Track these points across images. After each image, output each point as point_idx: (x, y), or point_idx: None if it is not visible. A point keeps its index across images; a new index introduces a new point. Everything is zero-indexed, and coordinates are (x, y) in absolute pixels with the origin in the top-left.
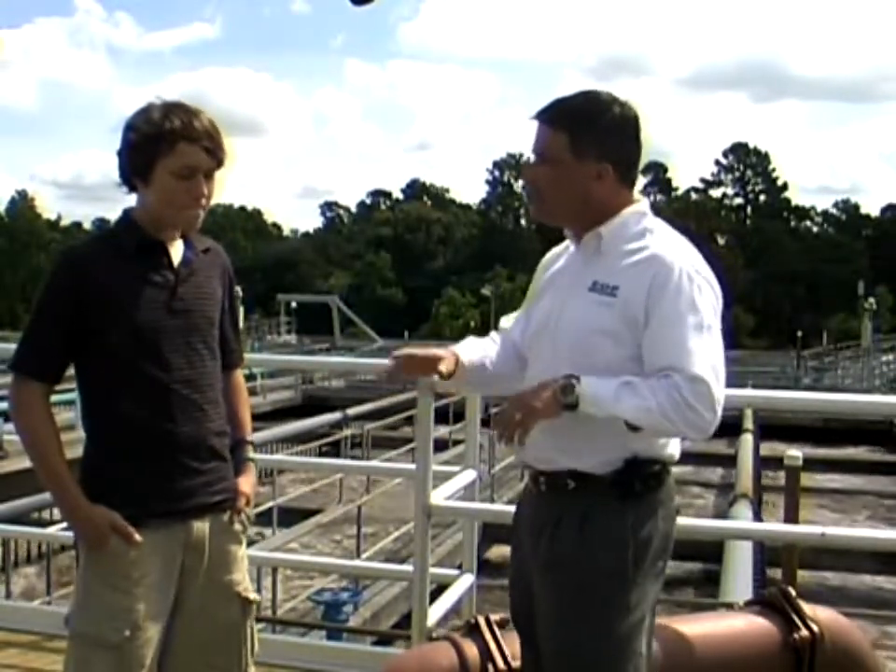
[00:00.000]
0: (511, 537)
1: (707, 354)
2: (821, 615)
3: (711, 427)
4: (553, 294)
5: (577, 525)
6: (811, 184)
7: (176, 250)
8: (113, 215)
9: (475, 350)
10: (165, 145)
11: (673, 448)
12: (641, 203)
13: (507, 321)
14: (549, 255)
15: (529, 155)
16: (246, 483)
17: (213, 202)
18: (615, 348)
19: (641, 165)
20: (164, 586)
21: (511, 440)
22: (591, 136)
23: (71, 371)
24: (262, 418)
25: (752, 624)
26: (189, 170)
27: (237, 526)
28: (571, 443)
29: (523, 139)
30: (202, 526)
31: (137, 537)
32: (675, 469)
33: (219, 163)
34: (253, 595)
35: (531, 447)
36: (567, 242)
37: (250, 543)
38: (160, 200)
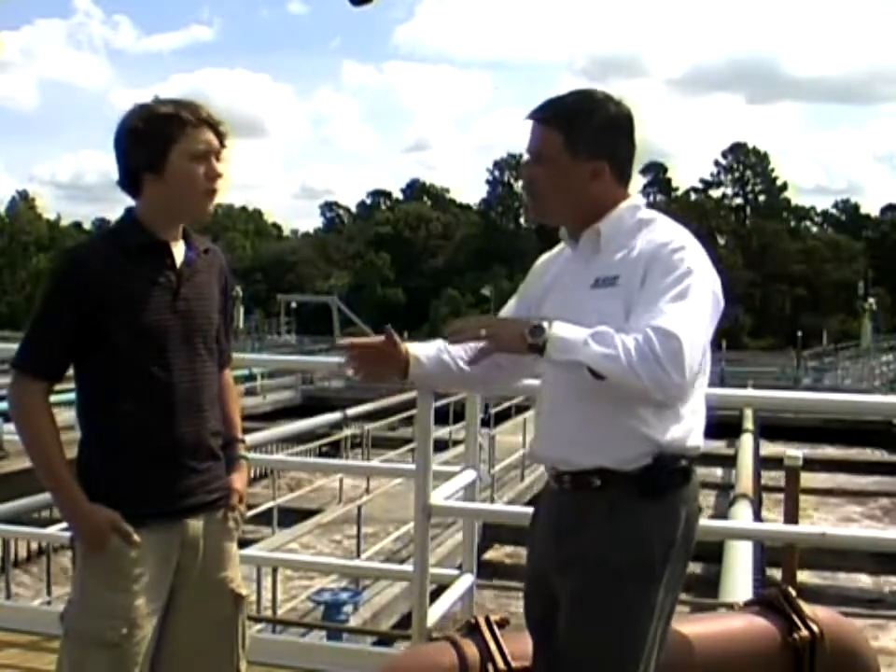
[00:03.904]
0: (527, 538)
1: (684, 318)
2: (821, 615)
3: (676, 388)
4: (556, 298)
5: (602, 523)
6: (807, 184)
7: (178, 250)
8: (113, 215)
9: (429, 347)
10: (177, 131)
11: (696, 439)
12: (635, 198)
13: None
14: (541, 260)
15: (524, 155)
16: (239, 480)
17: (222, 189)
18: None
19: (635, 165)
20: (159, 584)
21: (457, 342)
22: (586, 134)
23: (70, 371)
24: (262, 418)
25: (752, 624)
26: (204, 151)
27: (230, 524)
28: (598, 441)
29: (519, 139)
30: (196, 525)
31: (136, 537)
32: None
33: (223, 144)
34: (245, 591)
35: (554, 447)
36: (560, 245)
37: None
38: (178, 185)
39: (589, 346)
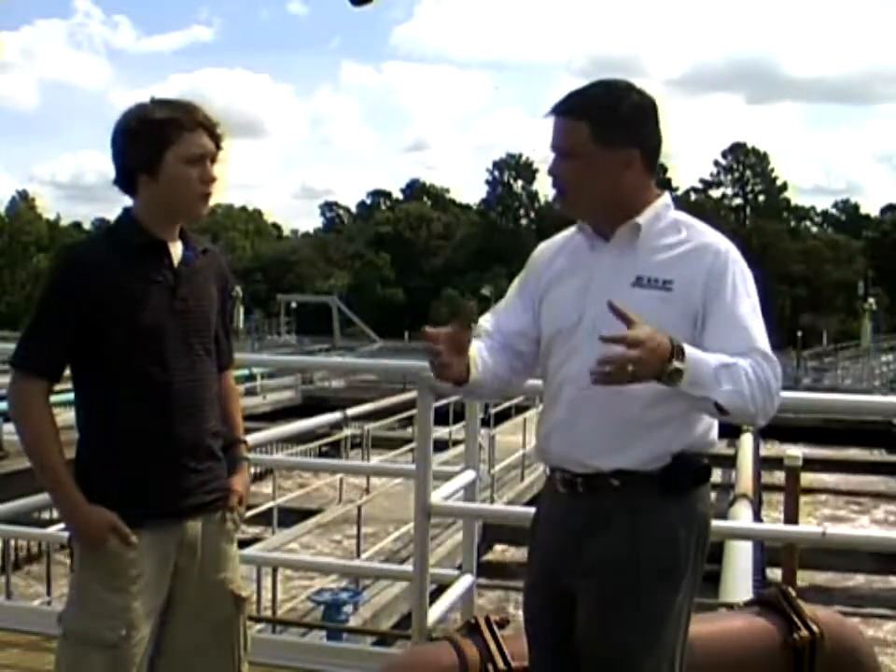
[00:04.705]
0: (529, 539)
1: (765, 336)
2: (821, 615)
3: (774, 411)
4: (578, 289)
5: (626, 525)
6: (806, 184)
7: (176, 250)
8: (112, 215)
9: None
10: (172, 133)
11: (714, 435)
12: (666, 196)
13: (485, 321)
14: (544, 247)
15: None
16: (240, 482)
17: (217, 192)
18: None
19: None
20: (158, 585)
21: (604, 383)
22: (614, 123)
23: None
24: (262, 418)
25: (752, 624)
26: (199, 155)
27: (229, 525)
28: (618, 442)
29: (519, 139)
30: (195, 526)
31: (134, 538)
32: None
33: (219, 147)
34: (245, 593)
35: (569, 448)
36: (565, 234)
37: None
38: (172, 188)
39: (721, 384)
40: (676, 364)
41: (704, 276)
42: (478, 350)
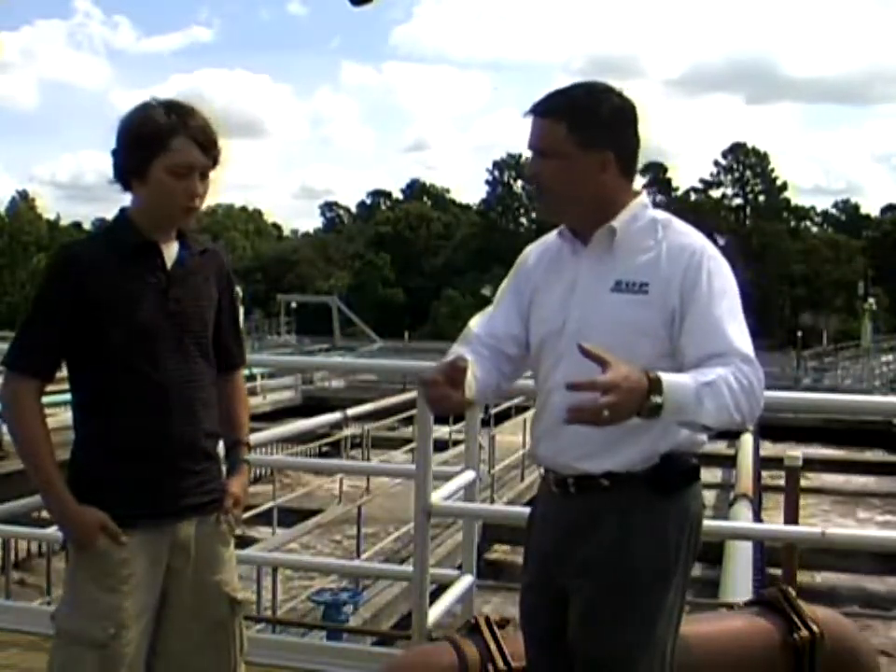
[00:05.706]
0: (525, 539)
1: (747, 337)
2: (821, 615)
3: (760, 412)
4: (562, 294)
5: (616, 526)
6: (806, 184)
7: (171, 251)
8: (112, 215)
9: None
10: (162, 142)
11: (703, 435)
12: (643, 196)
13: (475, 325)
14: (531, 249)
15: (527, 152)
16: (238, 484)
17: (206, 201)
18: (652, 347)
19: (639, 160)
20: (150, 586)
21: (577, 422)
22: (592, 125)
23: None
24: (262, 418)
25: (752, 624)
26: (185, 168)
27: (224, 527)
28: (606, 445)
29: (519, 139)
30: (188, 527)
31: (124, 538)
32: None
33: (214, 162)
34: (241, 595)
35: (559, 451)
36: (552, 236)
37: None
38: (155, 197)
39: (703, 405)
40: (654, 400)
41: (679, 277)
42: (471, 370)
